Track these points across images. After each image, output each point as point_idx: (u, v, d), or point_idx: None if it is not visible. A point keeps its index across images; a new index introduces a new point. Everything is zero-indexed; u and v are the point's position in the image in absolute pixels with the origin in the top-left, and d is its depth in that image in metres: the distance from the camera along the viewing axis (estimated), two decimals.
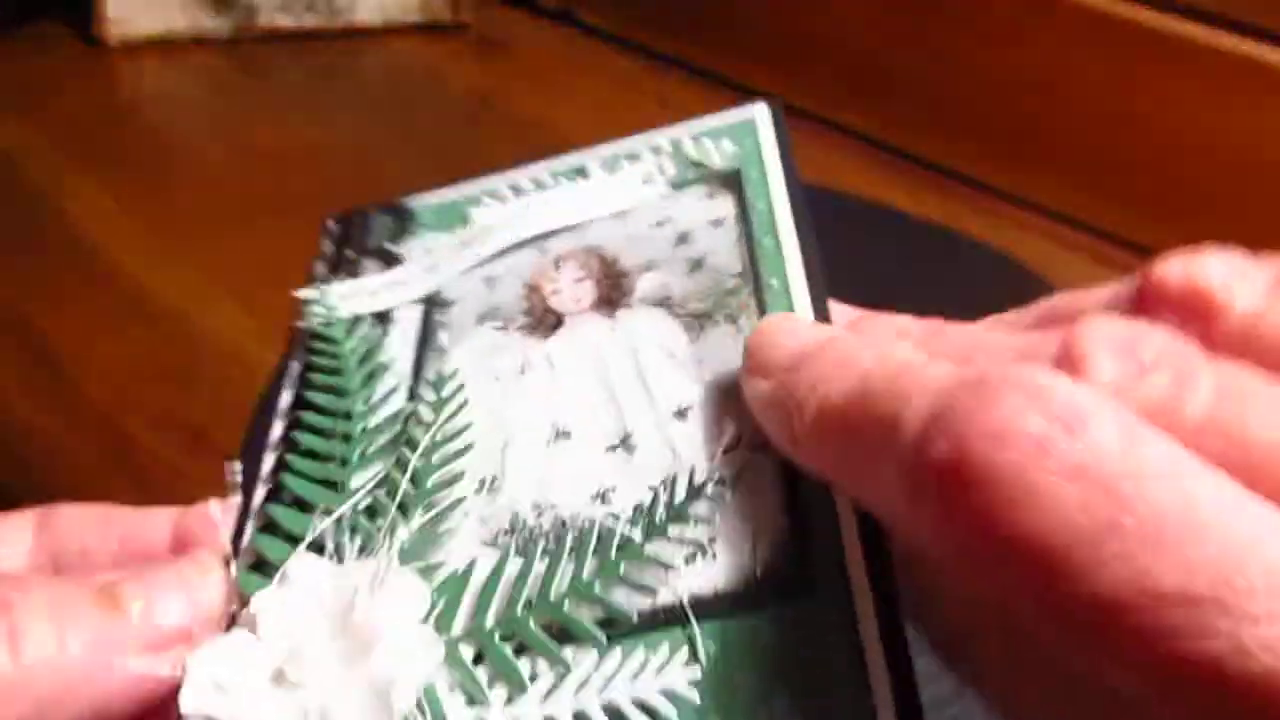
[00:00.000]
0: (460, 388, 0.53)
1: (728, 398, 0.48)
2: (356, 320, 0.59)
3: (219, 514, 0.51)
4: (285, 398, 0.57)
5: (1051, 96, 1.14)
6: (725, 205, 0.55)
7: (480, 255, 0.60)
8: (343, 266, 0.63)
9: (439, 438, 0.51)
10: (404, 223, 0.63)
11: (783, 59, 1.33)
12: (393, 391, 0.55)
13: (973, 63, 1.18)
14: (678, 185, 0.57)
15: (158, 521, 0.50)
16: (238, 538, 0.50)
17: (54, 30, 1.47)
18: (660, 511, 0.45)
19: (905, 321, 0.45)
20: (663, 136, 0.60)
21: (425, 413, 0.52)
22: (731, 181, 0.56)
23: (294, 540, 0.48)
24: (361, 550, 0.47)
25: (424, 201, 0.64)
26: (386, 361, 0.56)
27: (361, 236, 0.63)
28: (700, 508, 0.44)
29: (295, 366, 0.59)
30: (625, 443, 0.48)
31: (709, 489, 0.45)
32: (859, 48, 1.27)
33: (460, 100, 1.39)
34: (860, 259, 1.07)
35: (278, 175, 1.26)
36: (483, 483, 0.49)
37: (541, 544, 0.46)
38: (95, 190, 1.25)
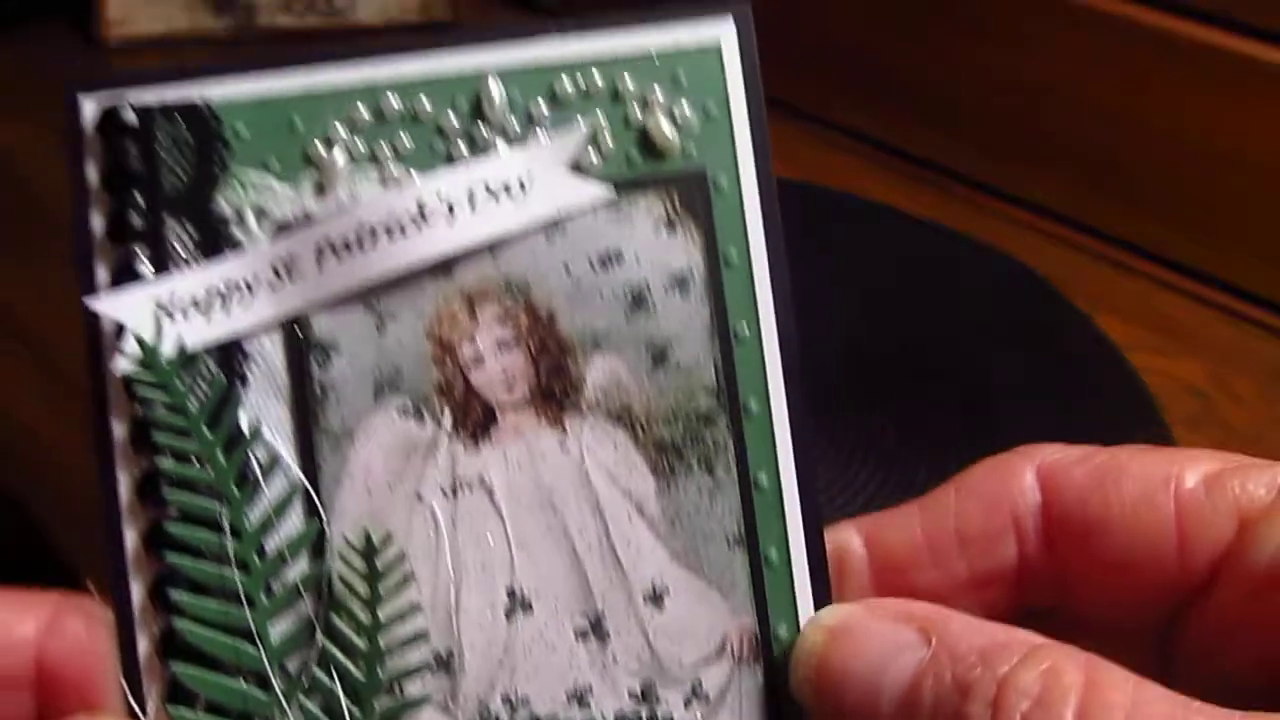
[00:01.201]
0: (401, 558, 0.41)
1: (710, 590, 0.41)
2: (188, 360, 0.41)
3: (109, 666, 0.40)
4: (124, 485, 0.41)
5: (1051, 96, 1.08)
6: (689, 247, 0.42)
7: (358, 277, 0.41)
8: (130, 233, 0.41)
9: (383, 618, 0.40)
10: (209, 139, 0.41)
11: (783, 59, 1.14)
12: (287, 503, 0.41)
13: (973, 63, 1.11)
14: (622, 184, 0.42)
15: (20, 633, 0.40)
16: (135, 689, 0.40)
17: (54, 30, 1.39)
18: None
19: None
20: (591, 54, 0.42)
21: (355, 581, 0.41)
22: (695, 196, 0.42)
23: (220, 712, 0.40)
24: None
25: (230, 94, 0.42)
26: (251, 428, 0.41)
27: (147, 160, 0.41)
28: None
29: (119, 430, 0.41)
30: (596, 628, 0.41)
31: None
32: (859, 48, 1.20)
33: None
34: (860, 259, 1.03)
35: None
36: (437, 659, 0.41)
37: None
38: None
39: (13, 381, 0.97)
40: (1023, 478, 0.42)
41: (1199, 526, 0.40)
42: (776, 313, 0.41)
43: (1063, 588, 0.41)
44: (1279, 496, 0.39)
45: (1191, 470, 0.40)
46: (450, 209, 0.40)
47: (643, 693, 0.41)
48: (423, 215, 0.40)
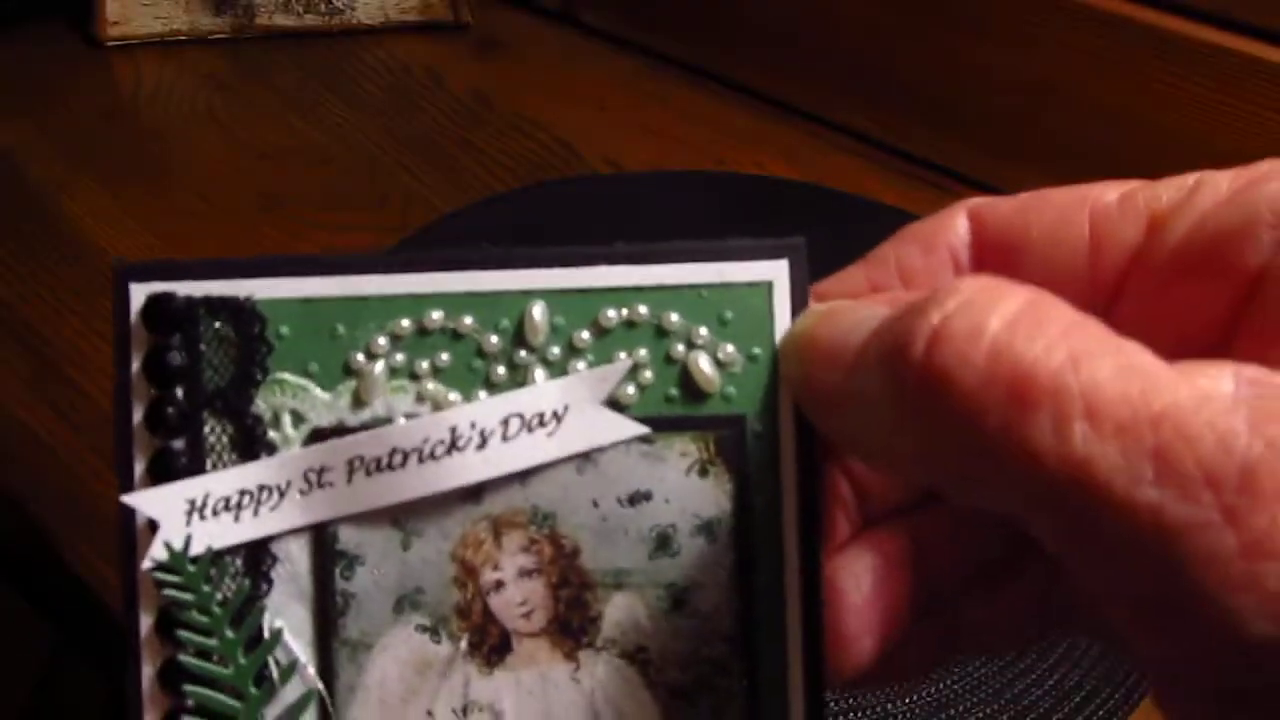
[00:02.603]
0: None
1: None
2: (216, 558, 0.41)
3: None
4: (147, 674, 0.41)
5: (1052, 96, 1.08)
6: (719, 495, 0.42)
7: (387, 495, 0.41)
8: (168, 426, 0.42)
9: None
10: (253, 343, 0.42)
11: (783, 59, 1.29)
12: (301, 708, 0.41)
13: (973, 63, 1.12)
14: (658, 422, 0.41)
15: None
16: None
17: (54, 30, 1.40)
18: None
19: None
20: (640, 284, 0.42)
21: None
22: (731, 442, 0.41)
23: None
24: None
25: (276, 293, 0.42)
26: (272, 631, 0.42)
27: (190, 353, 0.42)
28: None
29: (145, 620, 0.41)
30: None
31: None
32: (859, 48, 1.20)
33: (460, 100, 1.32)
34: (858, 259, 1.01)
35: (278, 175, 1.19)
36: None
37: None
38: (95, 190, 1.16)
39: (13, 381, 0.97)
40: (956, 220, 0.43)
41: (1109, 233, 0.41)
42: (803, 567, 0.41)
43: None
44: (1187, 195, 0.41)
45: (1109, 190, 0.41)
46: (483, 438, 0.41)
47: None
48: (454, 443, 0.41)
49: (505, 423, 0.41)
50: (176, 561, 0.41)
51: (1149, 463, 0.29)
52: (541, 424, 0.41)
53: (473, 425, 0.41)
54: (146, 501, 0.41)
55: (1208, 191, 0.40)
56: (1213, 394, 0.30)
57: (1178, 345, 0.38)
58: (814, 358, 0.39)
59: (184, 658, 0.41)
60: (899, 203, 1.09)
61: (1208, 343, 0.39)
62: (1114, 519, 0.30)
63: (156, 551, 0.41)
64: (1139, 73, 1.02)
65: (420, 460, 0.41)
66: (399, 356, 0.41)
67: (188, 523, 0.41)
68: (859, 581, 0.41)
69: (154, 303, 0.41)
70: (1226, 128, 0.98)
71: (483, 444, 0.41)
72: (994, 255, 0.42)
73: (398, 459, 0.41)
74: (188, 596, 0.41)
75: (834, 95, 1.23)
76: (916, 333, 0.32)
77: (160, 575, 0.41)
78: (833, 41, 1.21)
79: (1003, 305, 0.32)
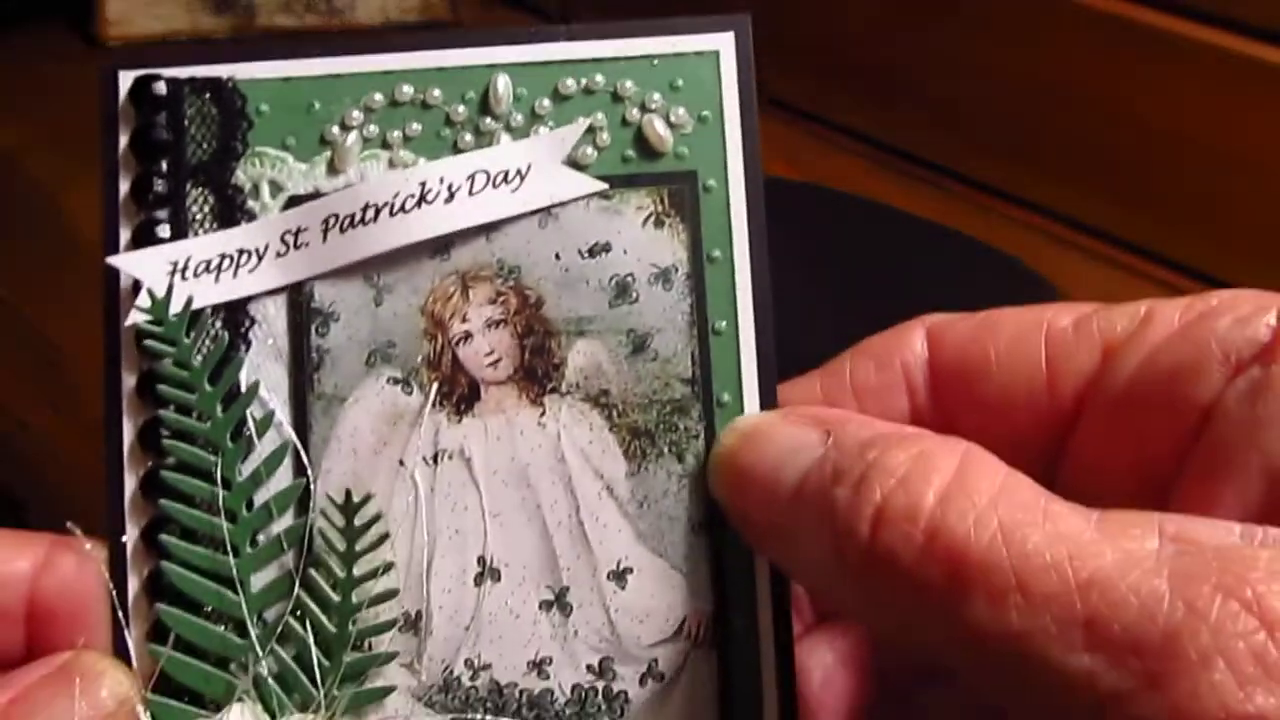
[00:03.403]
0: (378, 517, 0.44)
1: (671, 572, 0.44)
2: (196, 316, 0.44)
3: (98, 604, 0.43)
4: (128, 432, 0.45)
5: (1053, 96, 1.09)
6: (675, 244, 0.45)
7: (360, 250, 0.44)
8: (153, 197, 0.46)
9: (357, 574, 0.43)
10: (233, 115, 0.46)
11: (783, 59, 1.28)
12: (277, 460, 0.44)
13: (974, 63, 1.13)
14: (616, 180, 0.45)
15: (15, 569, 0.43)
16: (116, 626, 0.43)
17: (54, 30, 1.43)
18: None
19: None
20: (598, 60, 0.46)
21: (334, 537, 0.44)
22: (684, 195, 0.45)
23: (199, 654, 0.43)
24: (295, 700, 0.43)
25: (255, 74, 0.46)
26: (249, 387, 0.45)
27: (174, 134, 0.46)
28: None
29: (128, 381, 0.45)
30: (560, 601, 0.44)
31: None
32: (860, 47, 1.22)
33: None
34: (861, 259, 1.05)
35: None
36: (406, 619, 0.44)
37: (480, 711, 0.43)
38: (95, 190, 1.07)
39: (13, 381, 0.99)
40: (913, 337, 0.46)
41: (1065, 359, 0.43)
42: (755, 311, 0.45)
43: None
44: (1140, 325, 0.42)
45: (1063, 314, 0.44)
46: (450, 192, 0.44)
47: (600, 667, 0.43)
48: (424, 196, 0.44)
49: (471, 178, 0.44)
50: (157, 311, 0.44)
51: (1080, 631, 0.31)
52: (506, 180, 0.44)
53: (441, 180, 0.44)
54: (130, 262, 0.45)
55: (1160, 323, 0.42)
56: (1137, 555, 0.32)
57: (1136, 470, 0.41)
58: (744, 491, 0.41)
59: (164, 413, 0.44)
60: (899, 203, 1.10)
61: (1164, 469, 0.40)
62: (1049, 683, 0.32)
63: (141, 300, 0.44)
64: (1140, 73, 1.03)
65: (391, 214, 0.44)
66: (372, 127, 0.45)
67: (170, 282, 0.44)
68: (812, 674, 0.44)
69: (141, 84, 0.46)
70: (1226, 128, 1.00)
71: (450, 198, 0.44)
72: (951, 376, 0.44)
73: (370, 214, 0.44)
74: (168, 348, 0.44)
75: (834, 95, 1.25)
76: (860, 514, 0.35)
77: (143, 326, 0.44)
78: (833, 41, 1.24)
79: (936, 476, 0.35)
